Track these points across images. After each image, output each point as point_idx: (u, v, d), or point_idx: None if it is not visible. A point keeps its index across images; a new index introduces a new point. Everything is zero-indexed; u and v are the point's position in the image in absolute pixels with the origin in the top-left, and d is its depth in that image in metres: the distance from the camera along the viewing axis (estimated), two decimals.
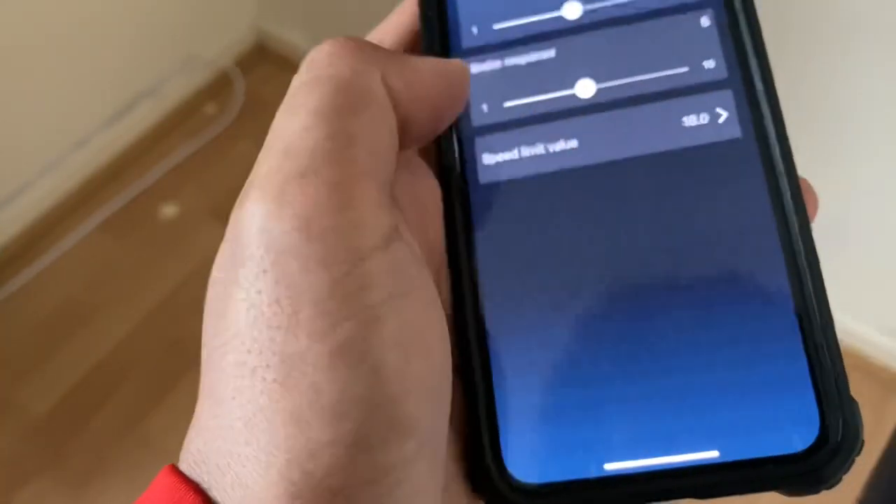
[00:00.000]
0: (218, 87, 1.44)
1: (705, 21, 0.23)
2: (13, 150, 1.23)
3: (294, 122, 0.18)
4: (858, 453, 0.19)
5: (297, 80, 0.19)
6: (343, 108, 0.18)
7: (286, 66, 1.46)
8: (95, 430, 1.12)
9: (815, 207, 0.21)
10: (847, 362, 0.20)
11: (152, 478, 0.18)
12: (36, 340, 1.20)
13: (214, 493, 0.17)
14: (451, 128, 0.23)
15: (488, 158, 0.23)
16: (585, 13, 0.24)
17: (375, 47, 0.20)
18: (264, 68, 1.48)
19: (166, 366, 1.17)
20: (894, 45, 0.89)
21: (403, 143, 0.20)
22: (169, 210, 1.33)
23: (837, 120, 0.95)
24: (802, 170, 0.22)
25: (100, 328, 1.21)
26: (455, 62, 0.21)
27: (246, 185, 0.19)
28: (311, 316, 0.16)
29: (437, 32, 0.24)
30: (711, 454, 0.20)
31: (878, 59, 0.90)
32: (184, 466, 0.18)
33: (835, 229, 0.98)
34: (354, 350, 0.16)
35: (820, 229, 0.21)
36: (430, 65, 0.21)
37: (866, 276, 1.05)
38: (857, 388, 0.19)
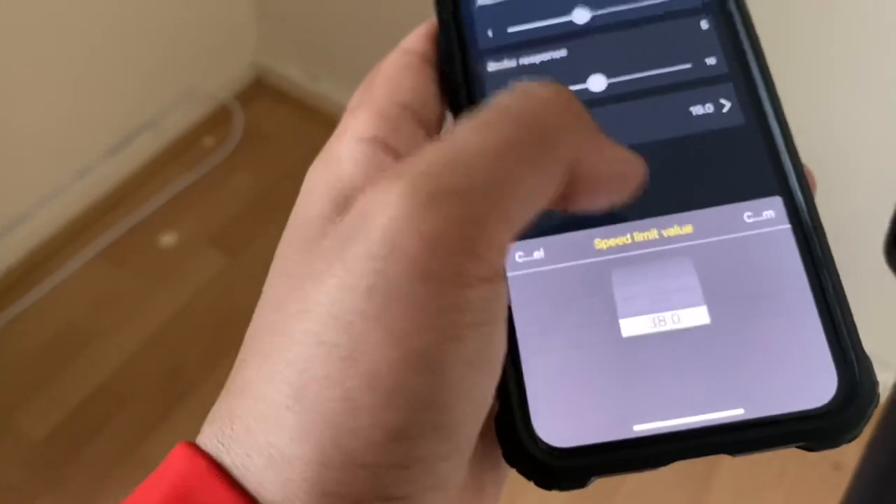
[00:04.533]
0: (217, 120, 1.47)
1: (705, 24, 0.25)
2: (15, 179, 1.26)
3: (475, 138, 0.18)
4: (875, 407, 0.20)
5: (506, 100, 0.19)
6: (525, 153, 0.18)
7: (283, 99, 1.50)
8: (95, 454, 1.14)
9: (815, 187, 0.23)
10: None
11: None
12: (35, 366, 1.21)
13: (235, 457, 0.18)
14: None
15: None
16: (593, 18, 0.26)
17: (589, 124, 0.20)
18: (262, 102, 1.51)
19: (164, 392, 1.19)
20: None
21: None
22: (168, 239, 1.35)
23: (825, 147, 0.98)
24: None
25: (99, 354, 1.22)
26: (638, 166, 0.21)
27: (399, 167, 0.18)
28: (398, 315, 0.17)
29: (454, 36, 0.26)
30: (737, 412, 0.20)
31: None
32: (207, 432, 0.19)
33: None
34: (425, 359, 0.17)
35: None
36: (618, 159, 0.20)
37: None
38: None
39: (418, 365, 0.17)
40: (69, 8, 1.20)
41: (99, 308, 1.27)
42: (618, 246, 0.23)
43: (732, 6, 0.25)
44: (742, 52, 0.25)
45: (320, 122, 1.44)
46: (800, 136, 0.24)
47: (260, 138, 1.45)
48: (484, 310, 0.18)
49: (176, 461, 0.18)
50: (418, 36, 0.25)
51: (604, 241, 0.23)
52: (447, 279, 0.17)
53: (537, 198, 0.19)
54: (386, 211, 0.17)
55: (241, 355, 0.19)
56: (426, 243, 0.17)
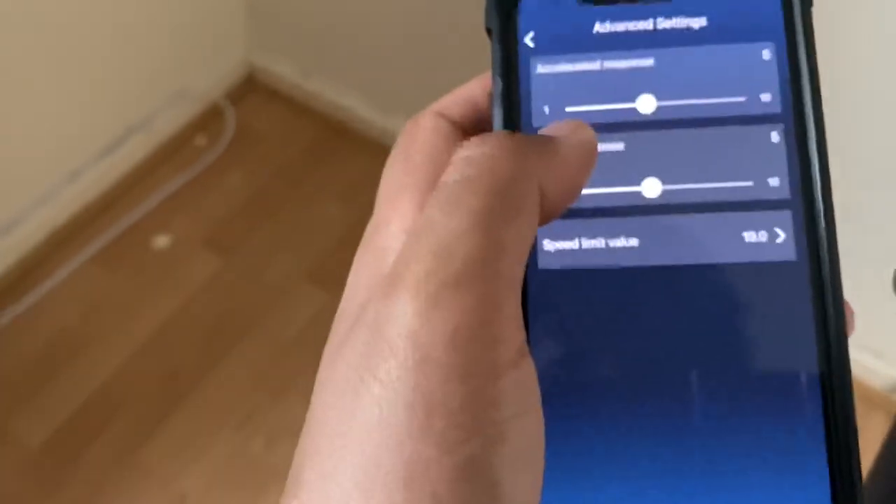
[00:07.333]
0: (208, 119, 1.46)
1: (775, 137, 0.23)
2: (6, 182, 1.24)
3: (452, 222, 0.18)
4: None
5: (458, 175, 0.19)
6: (499, 215, 0.18)
7: (275, 97, 1.48)
8: (92, 460, 1.13)
9: (853, 324, 0.23)
10: None
11: None
12: (29, 372, 1.20)
13: None
14: None
15: (549, 245, 0.23)
16: (659, 109, 0.24)
17: (532, 146, 0.20)
18: (254, 100, 1.49)
19: (161, 396, 1.17)
20: None
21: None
22: (161, 241, 1.34)
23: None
24: None
25: (93, 359, 1.21)
26: (589, 136, 0.21)
27: (392, 275, 0.18)
28: (444, 428, 0.17)
29: (508, 108, 0.24)
30: None
31: None
32: None
33: None
34: (478, 466, 0.17)
35: None
36: (575, 152, 0.20)
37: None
38: None
39: (471, 474, 0.17)
40: (58, 9, 1.19)
41: (93, 312, 1.26)
42: None
43: (809, 113, 0.23)
44: (810, 181, 0.23)
45: (313, 120, 1.43)
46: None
47: (252, 136, 1.44)
48: (517, 400, 0.18)
49: None
50: (455, 98, 0.25)
51: None
52: (480, 373, 0.17)
53: (525, 243, 0.19)
54: (402, 322, 0.17)
55: (297, 458, 0.19)
56: (449, 343, 0.17)
